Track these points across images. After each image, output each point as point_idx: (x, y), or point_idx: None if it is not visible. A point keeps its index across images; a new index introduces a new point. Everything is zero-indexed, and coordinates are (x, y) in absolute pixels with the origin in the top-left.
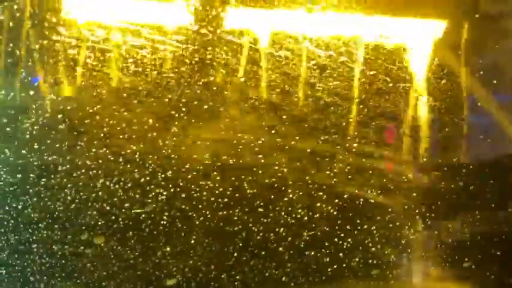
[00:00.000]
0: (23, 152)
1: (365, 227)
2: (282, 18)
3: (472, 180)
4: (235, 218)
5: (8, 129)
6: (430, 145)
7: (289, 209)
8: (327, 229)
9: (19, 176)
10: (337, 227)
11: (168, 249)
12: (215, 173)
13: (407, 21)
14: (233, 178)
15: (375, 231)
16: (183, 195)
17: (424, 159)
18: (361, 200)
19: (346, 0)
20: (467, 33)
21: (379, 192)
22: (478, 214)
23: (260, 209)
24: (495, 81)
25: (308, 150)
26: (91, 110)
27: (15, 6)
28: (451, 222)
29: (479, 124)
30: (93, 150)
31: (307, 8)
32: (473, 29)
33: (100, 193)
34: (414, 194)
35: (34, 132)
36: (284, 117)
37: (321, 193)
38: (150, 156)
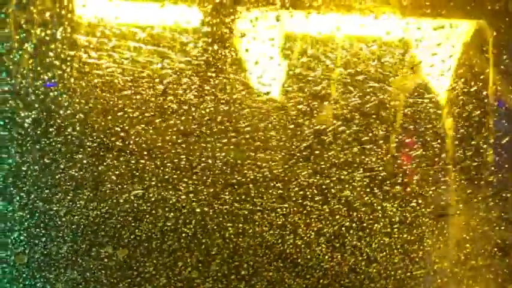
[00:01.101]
0: (47, 165)
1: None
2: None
3: None
4: (256, 231)
5: (30, 143)
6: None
7: (309, 221)
8: (347, 241)
9: (42, 187)
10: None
11: (188, 261)
12: (236, 187)
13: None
14: (253, 191)
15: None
16: (204, 209)
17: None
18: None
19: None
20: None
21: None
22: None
23: (279, 222)
24: None
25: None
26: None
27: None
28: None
29: None
30: (117, 164)
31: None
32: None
33: (123, 206)
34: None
35: (55, 145)
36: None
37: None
38: (172, 170)
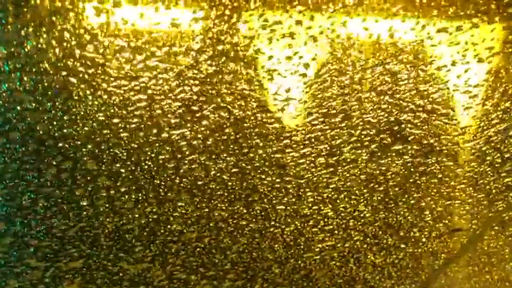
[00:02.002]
0: (64, 182)
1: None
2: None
3: None
4: (270, 246)
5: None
6: None
7: (323, 237)
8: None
9: (59, 204)
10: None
11: (202, 275)
12: (250, 203)
13: None
14: (267, 207)
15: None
16: (219, 225)
17: None
18: None
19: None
20: None
21: None
22: None
23: (292, 237)
24: None
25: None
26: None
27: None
28: None
29: None
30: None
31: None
32: None
33: (139, 221)
34: None
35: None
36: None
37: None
38: (188, 186)
